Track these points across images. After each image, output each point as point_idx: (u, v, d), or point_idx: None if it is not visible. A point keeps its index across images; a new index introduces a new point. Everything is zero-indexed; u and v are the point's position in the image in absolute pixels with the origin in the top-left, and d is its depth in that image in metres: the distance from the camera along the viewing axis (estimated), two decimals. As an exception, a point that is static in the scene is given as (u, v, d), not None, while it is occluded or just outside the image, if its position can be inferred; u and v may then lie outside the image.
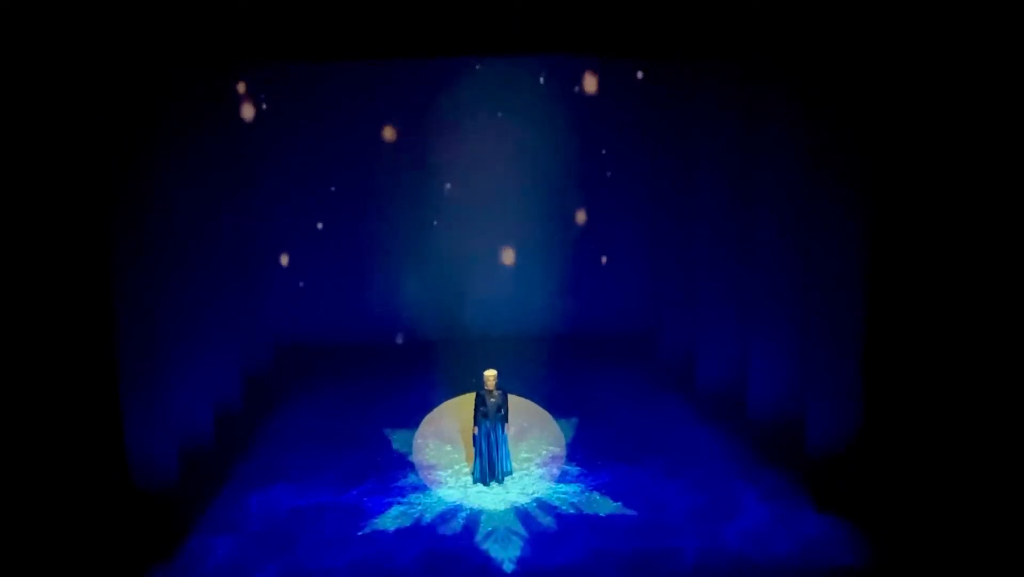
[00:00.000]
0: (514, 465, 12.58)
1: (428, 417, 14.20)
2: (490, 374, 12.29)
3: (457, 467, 12.76)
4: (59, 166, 9.98)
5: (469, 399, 12.85)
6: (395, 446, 13.47)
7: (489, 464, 12.28)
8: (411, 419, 14.17)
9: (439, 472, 12.69)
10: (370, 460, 13.05)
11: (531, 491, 12.18)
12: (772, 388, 13.06)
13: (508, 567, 10.64)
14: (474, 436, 12.35)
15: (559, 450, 13.26)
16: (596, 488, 12.23)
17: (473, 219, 16.82)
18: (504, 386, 12.42)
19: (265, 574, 10.52)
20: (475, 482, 12.34)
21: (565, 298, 15.96)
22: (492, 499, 11.98)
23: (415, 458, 13.09)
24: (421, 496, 12.11)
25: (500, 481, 12.30)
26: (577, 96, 16.62)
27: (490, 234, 17.01)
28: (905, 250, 11.01)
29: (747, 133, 13.07)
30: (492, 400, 12.26)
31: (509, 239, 17.11)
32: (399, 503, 11.94)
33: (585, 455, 13.11)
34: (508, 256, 17.07)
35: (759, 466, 12.64)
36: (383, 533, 11.30)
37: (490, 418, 12.25)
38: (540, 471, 12.69)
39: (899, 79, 10.64)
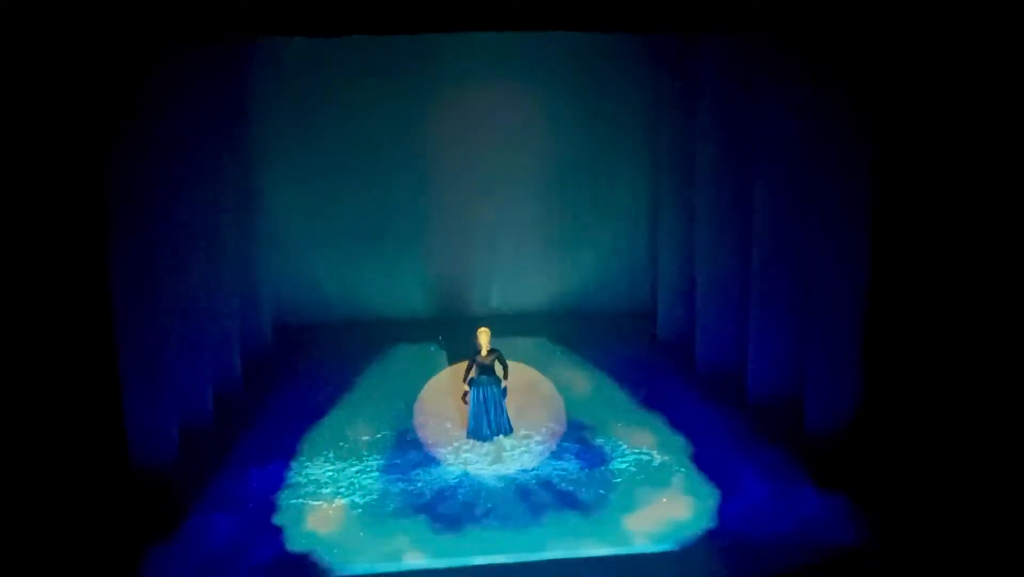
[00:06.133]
0: (513, 426, 12.65)
1: (425, 389, 14.17)
2: (483, 335, 12.31)
3: (457, 444, 12.77)
4: (54, 140, 9.90)
5: (463, 367, 12.88)
6: (395, 424, 13.47)
7: (486, 422, 12.38)
8: (411, 397, 14.17)
9: (439, 449, 12.70)
10: (370, 438, 13.06)
11: (531, 468, 12.20)
12: (771, 366, 13.04)
13: (508, 545, 10.65)
14: (465, 396, 12.38)
15: (559, 427, 13.26)
16: (596, 465, 12.24)
17: (473, 197, 16.78)
18: (498, 349, 12.48)
19: (264, 553, 10.55)
20: (468, 437, 12.43)
21: None
22: (492, 476, 12.00)
23: (414, 435, 13.10)
24: (421, 473, 12.12)
25: (492, 438, 12.38)
26: (579, 72, 16.54)
27: (490, 212, 16.98)
28: (906, 229, 10.98)
29: (749, 111, 13.00)
30: (485, 363, 12.31)
31: (508, 217, 17.08)
32: (399, 480, 11.96)
33: (585, 433, 13.12)
34: None
35: (758, 444, 12.64)
36: (383, 511, 11.32)
37: (484, 384, 12.32)
38: (540, 448, 12.70)
39: (902, 58, 10.57)
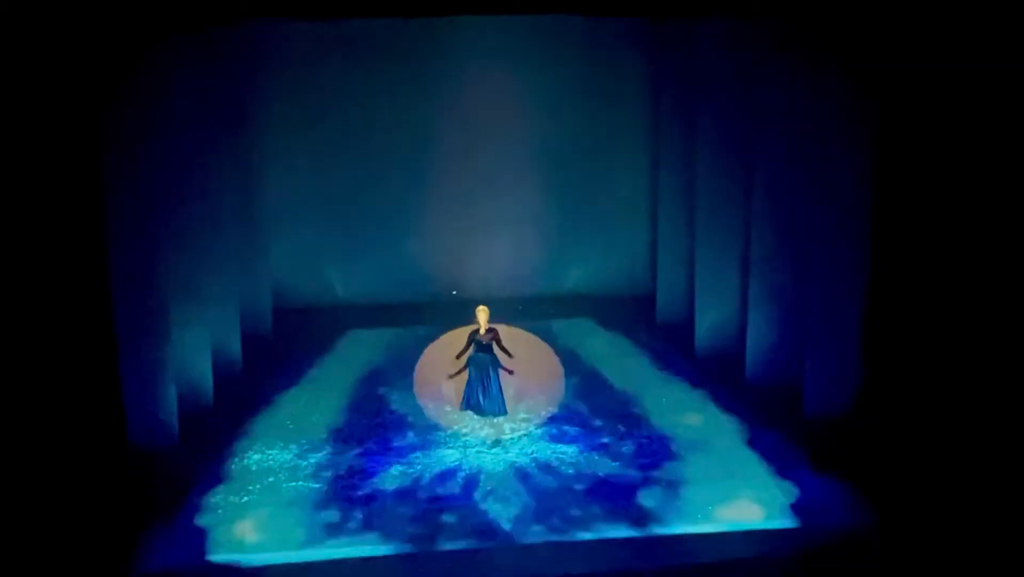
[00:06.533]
0: (508, 409, 12.79)
1: (421, 369, 14.17)
2: (482, 312, 12.51)
3: (456, 427, 12.80)
4: (53, 122, 9.89)
5: (458, 334, 12.99)
6: (394, 406, 13.50)
7: (481, 398, 12.60)
8: (411, 379, 14.18)
9: (438, 432, 12.73)
10: (369, 420, 13.10)
11: (530, 451, 12.23)
12: (771, 350, 13.06)
13: (507, 526, 10.70)
14: (454, 374, 12.62)
15: (558, 410, 13.29)
16: (595, 448, 12.28)
17: (473, 179, 16.75)
18: (495, 328, 12.67)
19: (264, 534, 10.60)
20: (462, 410, 12.69)
21: None
22: (491, 459, 12.04)
23: (413, 419, 13.12)
24: (420, 456, 12.16)
25: (485, 415, 12.59)
26: (579, 57, 16.50)
27: (489, 196, 16.95)
28: (907, 215, 10.99)
29: (750, 95, 12.97)
30: (483, 341, 12.49)
31: (507, 201, 17.05)
32: (399, 463, 12.00)
33: (584, 416, 13.15)
34: None
35: (757, 427, 12.67)
36: (382, 493, 11.36)
37: (482, 361, 12.50)
38: (539, 431, 12.73)
39: (904, 56, 10.57)
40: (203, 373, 12.66)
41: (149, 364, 10.91)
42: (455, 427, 12.80)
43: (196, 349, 12.42)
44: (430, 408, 13.34)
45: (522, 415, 13.02)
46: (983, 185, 10.44)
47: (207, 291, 12.87)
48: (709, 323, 14.48)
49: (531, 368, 13.84)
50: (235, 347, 14.15)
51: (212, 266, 13.12)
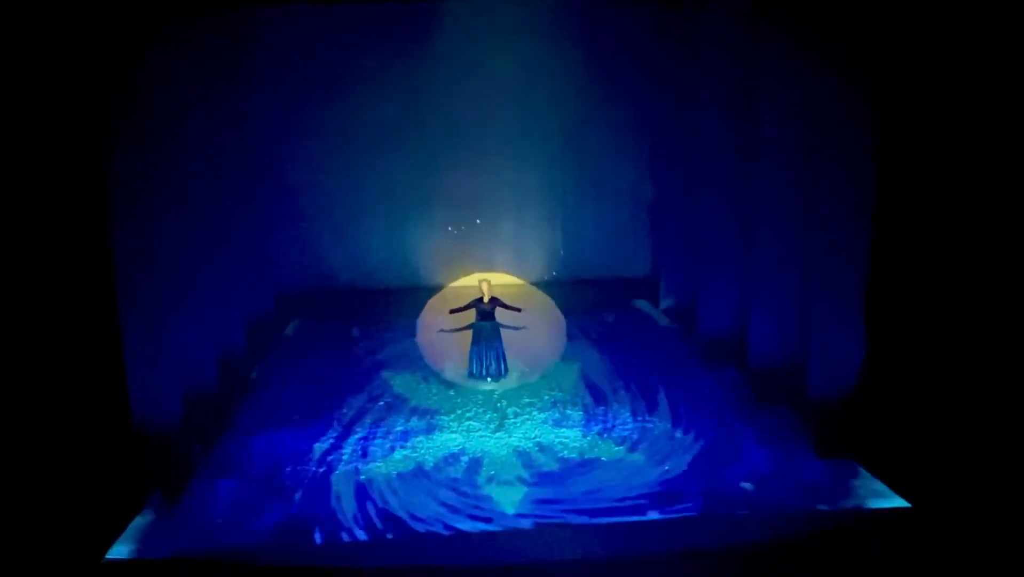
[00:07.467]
0: (509, 369, 13.39)
1: (424, 311, 14.31)
2: (484, 283, 13.07)
3: (459, 411, 12.80)
4: (55, 108, 9.86)
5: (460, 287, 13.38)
6: (396, 390, 13.50)
7: (483, 363, 13.23)
8: (413, 363, 14.19)
9: (441, 416, 12.74)
10: (372, 404, 13.10)
11: (533, 435, 12.24)
12: (774, 331, 13.03)
13: (510, 510, 10.70)
14: (443, 330, 13.21)
15: (561, 394, 13.29)
16: (598, 433, 12.29)
17: (474, 163, 16.73)
18: (496, 297, 13.19)
19: (267, 518, 10.59)
20: (469, 377, 13.32)
21: None
22: (494, 443, 12.05)
23: (416, 403, 13.13)
24: (423, 440, 12.17)
25: (486, 377, 13.20)
26: (579, 37, 16.44)
27: (490, 176, 16.92)
28: (911, 192, 10.97)
29: (753, 74, 12.90)
30: (486, 309, 13.08)
31: (509, 181, 17.03)
32: (401, 447, 12.00)
33: (587, 400, 13.15)
34: None
35: (760, 410, 12.67)
36: (385, 477, 11.36)
37: (484, 328, 13.06)
38: (542, 415, 12.73)
39: (902, 32, 10.54)
40: (206, 357, 12.63)
41: (152, 348, 10.86)
42: (458, 411, 12.77)
43: (199, 333, 12.39)
44: (431, 356, 13.63)
45: (525, 399, 13.01)
46: (983, 176, 10.45)
47: (210, 276, 12.83)
48: (712, 306, 14.47)
49: (534, 326, 14.00)
50: (238, 331, 14.13)
51: (215, 250, 13.08)
